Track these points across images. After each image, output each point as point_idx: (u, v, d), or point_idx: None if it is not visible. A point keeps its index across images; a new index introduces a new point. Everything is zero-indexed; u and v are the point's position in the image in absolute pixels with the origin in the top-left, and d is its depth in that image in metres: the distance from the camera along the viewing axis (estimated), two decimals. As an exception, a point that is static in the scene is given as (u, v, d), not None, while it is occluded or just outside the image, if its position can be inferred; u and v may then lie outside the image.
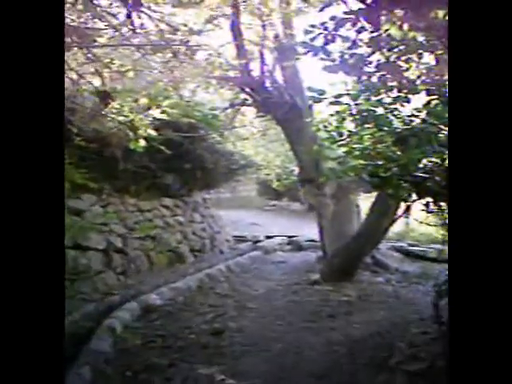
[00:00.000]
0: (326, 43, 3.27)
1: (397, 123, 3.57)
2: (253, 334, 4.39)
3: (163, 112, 4.42)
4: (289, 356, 3.78)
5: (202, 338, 4.20)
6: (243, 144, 10.57)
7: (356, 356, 3.74)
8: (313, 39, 3.27)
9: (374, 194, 10.97)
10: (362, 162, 3.33)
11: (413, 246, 9.07)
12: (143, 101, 4.48)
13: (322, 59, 4.03)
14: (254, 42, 7.92)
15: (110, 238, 6.31)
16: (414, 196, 3.59)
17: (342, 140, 3.54)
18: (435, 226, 5.01)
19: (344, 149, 3.61)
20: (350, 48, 3.30)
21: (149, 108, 4.52)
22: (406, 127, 3.19)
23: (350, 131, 3.55)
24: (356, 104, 3.75)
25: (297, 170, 9.28)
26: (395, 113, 3.52)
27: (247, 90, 7.90)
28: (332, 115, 4.42)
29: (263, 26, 7.65)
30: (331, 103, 3.57)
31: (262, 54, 7.66)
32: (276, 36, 7.56)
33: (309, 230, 12.19)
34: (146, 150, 7.39)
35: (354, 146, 3.49)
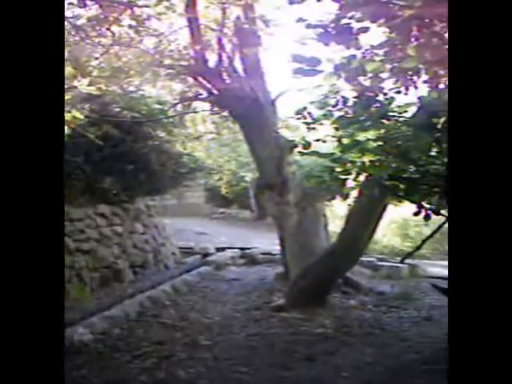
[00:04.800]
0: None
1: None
2: (209, 387, 3.32)
3: (91, 84, 3.23)
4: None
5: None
6: (193, 145, 9.40)
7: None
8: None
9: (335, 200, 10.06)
10: (381, 158, 2.35)
11: (382, 260, 8.20)
12: (67, 70, 3.28)
13: (309, 26, 3.08)
14: (211, 27, 6.88)
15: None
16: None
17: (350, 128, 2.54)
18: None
19: (346, 141, 2.62)
20: None
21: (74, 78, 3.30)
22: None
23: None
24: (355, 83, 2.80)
25: (248, 175, 8.30)
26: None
27: (202, 81, 6.82)
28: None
29: (223, 9, 6.61)
30: (328, 76, 2.57)
31: (220, 40, 6.61)
32: (237, 19, 6.53)
33: (261, 241, 11.22)
34: (79, 147, 6.19)
35: (363, 137, 2.50)
